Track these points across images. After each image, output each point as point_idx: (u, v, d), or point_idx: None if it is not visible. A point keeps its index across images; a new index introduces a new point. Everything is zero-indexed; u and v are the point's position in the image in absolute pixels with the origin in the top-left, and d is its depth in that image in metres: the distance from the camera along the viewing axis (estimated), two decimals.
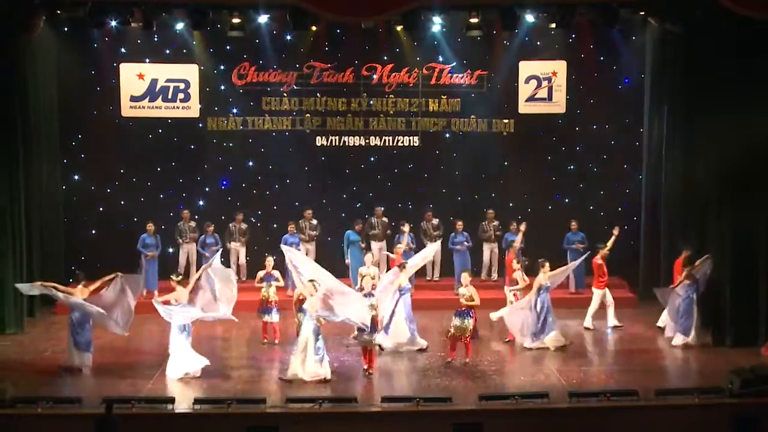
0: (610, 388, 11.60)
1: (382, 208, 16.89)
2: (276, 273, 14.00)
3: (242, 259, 16.80)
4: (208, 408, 11.05)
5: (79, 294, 12.69)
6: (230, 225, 16.76)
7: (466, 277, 13.14)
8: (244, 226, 16.82)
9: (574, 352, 13.59)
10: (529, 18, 15.91)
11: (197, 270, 16.23)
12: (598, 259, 14.85)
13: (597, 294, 14.78)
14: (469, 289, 12.93)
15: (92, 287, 12.83)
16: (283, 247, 13.26)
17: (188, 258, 16.74)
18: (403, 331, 13.44)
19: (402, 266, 13.73)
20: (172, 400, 11.15)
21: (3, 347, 13.71)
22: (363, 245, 16.40)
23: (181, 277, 13.20)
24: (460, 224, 16.62)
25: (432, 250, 14.73)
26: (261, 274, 14.03)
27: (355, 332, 12.68)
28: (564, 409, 11.14)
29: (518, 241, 15.44)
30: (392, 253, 15.47)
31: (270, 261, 14.07)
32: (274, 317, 13.85)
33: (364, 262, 14.35)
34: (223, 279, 12.90)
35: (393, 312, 13.39)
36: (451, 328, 12.79)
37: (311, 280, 12.21)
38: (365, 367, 12.30)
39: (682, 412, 11.08)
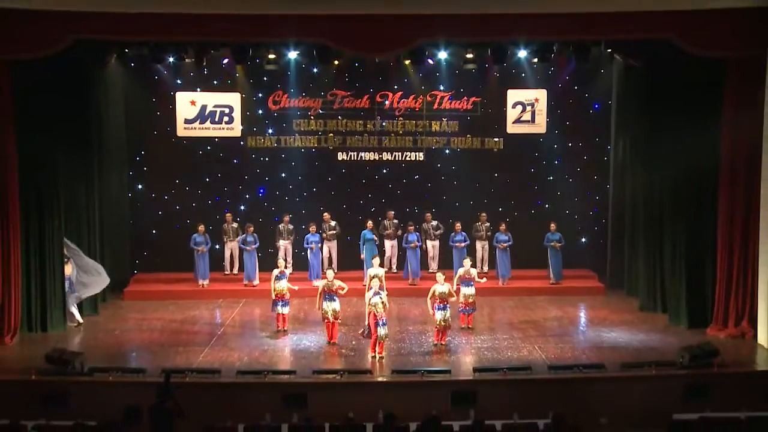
0: (582, 362, 11.69)
1: (393, 212, 16.95)
2: (287, 272, 13.82)
3: (290, 255, 16.74)
4: (248, 378, 11.18)
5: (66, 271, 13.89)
6: (279, 226, 16.71)
7: (440, 276, 12.74)
8: (290, 226, 16.73)
9: (553, 333, 13.64)
10: (516, 54, 15.99)
11: (239, 264, 16.54)
12: None
13: None
14: (446, 286, 12.68)
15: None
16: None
17: (231, 253, 16.85)
18: None
19: None
20: (218, 371, 11.27)
21: (79, 328, 13.94)
22: (377, 242, 16.48)
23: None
24: (458, 225, 16.64)
25: None
26: (276, 272, 13.60)
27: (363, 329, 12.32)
28: (544, 380, 11.25)
29: None
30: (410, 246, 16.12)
31: (281, 262, 13.98)
32: (286, 309, 13.58)
33: (372, 264, 13.90)
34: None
35: None
36: (436, 321, 12.58)
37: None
38: (372, 354, 12.04)
39: (642, 382, 11.15)
